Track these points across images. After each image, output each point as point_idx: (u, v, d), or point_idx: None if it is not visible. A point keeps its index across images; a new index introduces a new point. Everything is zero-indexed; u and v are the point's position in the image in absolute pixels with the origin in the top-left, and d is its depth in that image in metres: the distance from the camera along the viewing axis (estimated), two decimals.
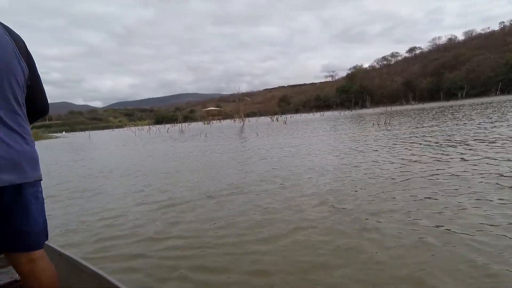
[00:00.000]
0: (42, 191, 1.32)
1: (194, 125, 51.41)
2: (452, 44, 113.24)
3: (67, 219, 3.95)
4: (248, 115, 47.82)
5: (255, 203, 3.96)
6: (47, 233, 1.36)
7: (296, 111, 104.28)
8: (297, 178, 5.17)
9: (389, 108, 48.21)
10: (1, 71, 1.15)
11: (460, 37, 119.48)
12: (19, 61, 1.20)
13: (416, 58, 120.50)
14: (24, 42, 1.27)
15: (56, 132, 71.62)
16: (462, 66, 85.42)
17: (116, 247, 2.94)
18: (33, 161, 1.24)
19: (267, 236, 2.90)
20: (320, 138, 12.13)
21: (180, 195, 4.68)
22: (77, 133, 67.82)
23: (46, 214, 1.36)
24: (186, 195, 4.65)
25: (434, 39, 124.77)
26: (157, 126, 54.31)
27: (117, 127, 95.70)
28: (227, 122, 61.97)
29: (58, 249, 1.87)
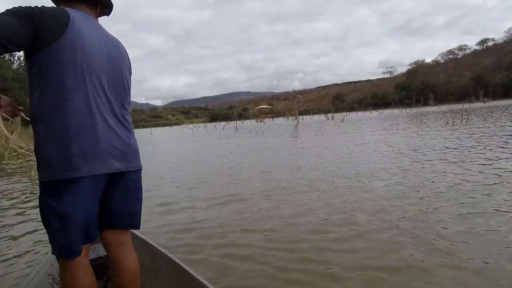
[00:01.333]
0: (141, 179, 1.48)
1: (248, 123, 52.10)
2: None
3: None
4: (301, 113, 47.14)
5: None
6: (140, 220, 1.50)
7: (351, 109, 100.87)
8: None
9: (456, 106, 44.27)
10: (120, 74, 1.38)
11: None
12: (129, 68, 1.47)
13: (488, 51, 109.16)
14: (129, 57, 1.52)
15: None
16: None
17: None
18: (136, 152, 1.43)
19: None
20: (384, 138, 11.46)
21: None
22: (140, 130, 72.57)
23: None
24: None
25: (510, 29, 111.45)
26: (212, 123, 55.97)
27: (175, 124, 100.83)
28: (279, 120, 61.78)
29: (134, 232, 1.97)
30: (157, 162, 9.75)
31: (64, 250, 1.21)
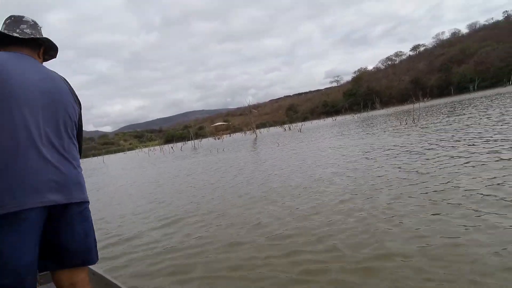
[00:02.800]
0: (89, 212, 1.42)
1: (205, 141, 51.13)
2: (456, 38, 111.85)
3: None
4: (258, 126, 47.24)
5: None
6: (97, 254, 1.43)
7: (305, 119, 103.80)
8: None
9: (401, 108, 47.35)
10: (57, 106, 1.36)
11: (464, 30, 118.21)
12: (73, 101, 1.45)
13: (421, 56, 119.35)
14: (73, 90, 1.52)
15: None
16: (469, 59, 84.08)
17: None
18: (79, 184, 1.37)
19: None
20: (356, 141, 11.55)
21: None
22: (90, 159, 68.39)
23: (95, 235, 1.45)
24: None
25: (437, 34, 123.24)
26: (168, 145, 54.17)
27: (128, 149, 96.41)
28: (237, 135, 61.70)
29: (91, 268, 1.86)
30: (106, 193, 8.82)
31: None
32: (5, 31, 1.39)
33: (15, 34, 1.39)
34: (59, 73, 1.49)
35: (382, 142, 9.51)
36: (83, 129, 1.59)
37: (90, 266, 1.80)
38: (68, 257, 1.33)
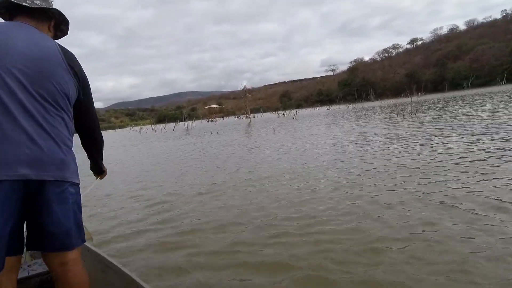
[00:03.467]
0: (74, 194, 1.32)
1: (198, 123, 50.82)
2: (454, 34, 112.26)
3: None
4: (251, 111, 47.20)
5: None
6: (81, 237, 1.36)
7: (298, 106, 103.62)
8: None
9: (395, 101, 47.50)
10: (43, 75, 1.25)
11: (462, 26, 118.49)
12: (64, 71, 1.31)
13: (418, 50, 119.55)
14: (77, 63, 1.40)
15: None
16: (465, 56, 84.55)
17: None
18: (60, 162, 1.26)
19: None
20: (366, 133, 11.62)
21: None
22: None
23: (81, 217, 1.37)
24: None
25: (435, 29, 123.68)
26: (160, 125, 53.73)
27: (119, 127, 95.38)
28: (230, 119, 61.42)
29: (86, 245, 1.86)
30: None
31: None
32: (15, 0, 1.36)
33: (24, 3, 1.36)
34: (63, 46, 1.40)
35: (382, 132, 9.62)
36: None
37: (86, 243, 1.84)
38: (47, 240, 1.26)
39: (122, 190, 5.51)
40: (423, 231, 2.63)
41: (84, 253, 1.47)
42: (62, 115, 1.31)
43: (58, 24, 1.51)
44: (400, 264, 2.16)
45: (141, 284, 1.50)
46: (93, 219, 3.91)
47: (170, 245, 2.88)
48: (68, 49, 1.40)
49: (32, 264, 1.92)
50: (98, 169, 1.76)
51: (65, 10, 1.55)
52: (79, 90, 1.40)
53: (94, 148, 1.63)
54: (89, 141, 1.58)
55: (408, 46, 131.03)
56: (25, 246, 1.29)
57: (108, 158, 11.77)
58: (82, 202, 1.39)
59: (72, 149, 1.37)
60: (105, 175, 1.85)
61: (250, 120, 36.24)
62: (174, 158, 9.28)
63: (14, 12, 1.38)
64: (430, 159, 5.18)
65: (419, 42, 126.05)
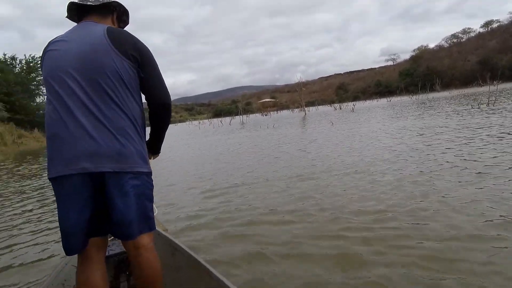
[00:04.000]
0: (137, 185, 1.33)
1: (253, 117, 51.57)
2: None
3: None
4: (306, 104, 46.44)
5: None
6: (148, 225, 1.39)
7: (355, 98, 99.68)
8: None
9: (465, 90, 43.26)
10: (93, 69, 1.29)
11: None
12: (114, 55, 1.31)
13: (493, 33, 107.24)
14: (128, 40, 1.38)
15: None
16: None
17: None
18: (116, 153, 1.28)
19: None
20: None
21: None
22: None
23: (150, 206, 1.41)
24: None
25: None
26: (217, 119, 55.48)
27: (179, 121, 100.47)
28: (284, 112, 61.23)
29: (158, 230, 1.98)
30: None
31: (63, 247, 1.32)
32: (79, 1, 1.45)
33: (87, 3, 1.44)
34: (112, 27, 1.41)
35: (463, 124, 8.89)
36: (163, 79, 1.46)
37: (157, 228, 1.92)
38: (113, 228, 1.36)
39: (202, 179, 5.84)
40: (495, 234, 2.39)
41: (155, 237, 1.53)
42: (121, 102, 1.32)
43: (120, 15, 1.58)
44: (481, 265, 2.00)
45: (207, 267, 1.57)
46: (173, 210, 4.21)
47: (238, 234, 2.94)
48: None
49: (111, 245, 2.03)
50: (155, 148, 1.65)
51: (132, 14, 1.66)
52: (137, 68, 1.38)
53: (159, 123, 1.54)
54: (156, 116, 1.49)
55: (481, 30, 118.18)
56: None
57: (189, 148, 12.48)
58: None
59: (139, 135, 1.37)
60: (158, 156, 1.77)
61: (305, 114, 35.80)
62: (236, 150, 9.56)
63: (81, 13, 1.48)
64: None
65: (495, 25, 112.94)
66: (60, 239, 1.33)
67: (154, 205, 1.46)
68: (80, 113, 1.27)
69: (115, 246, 2.01)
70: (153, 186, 1.45)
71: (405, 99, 45.90)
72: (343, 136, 9.76)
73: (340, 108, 38.24)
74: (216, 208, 3.86)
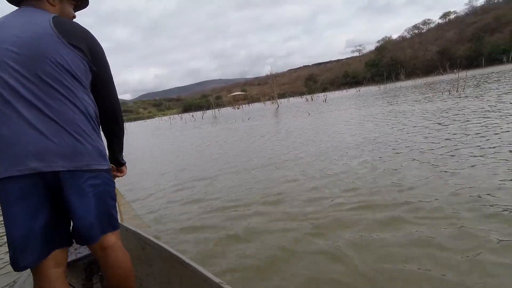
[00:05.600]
0: (97, 184, 1.22)
1: (224, 111, 50.99)
2: (491, 5, 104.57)
3: None
4: (277, 97, 46.35)
5: None
6: (111, 224, 1.29)
7: (324, 89, 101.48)
8: None
9: (428, 79, 45.21)
10: (34, 56, 1.14)
11: None
12: (60, 45, 1.17)
13: (451, 24, 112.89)
14: (78, 31, 1.25)
15: None
16: (504, 28, 78.91)
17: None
18: (71, 149, 1.16)
19: None
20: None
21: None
22: None
23: (113, 204, 1.30)
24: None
25: (470, 1, 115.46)
26: (188, 114, 54.37)
27: (148, 117, 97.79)
28: (256, 105, 61.18)
29: (124, 225, 1.98)
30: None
31: (10, 261, 1.15)
32: None
33: None
34: (60, 17, 1.26)
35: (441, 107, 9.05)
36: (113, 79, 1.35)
37: (123, 223, 1.95)
38: (73, 233, 1.25)
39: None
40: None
41: (123, 233, 1.46)
42: (70, 96, 1.19)
43: None
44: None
45: (180, 258, 1.53)
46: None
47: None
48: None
49: (78, 247, 1.99)
50: (116, 159, 1.53)
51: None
52: (88, 62, 1.25)
53: (114, 131, 1.43)
54: (110, 122, 1.39)
55: (440, 21, 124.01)
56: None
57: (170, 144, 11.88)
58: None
59: (94, 131, 1.27)
60: (125, 172, 1.62)
61: (278, 106, 35.79)
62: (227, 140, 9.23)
63: (18, 2, 1.30)
64: None
65: (452, 16, 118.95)
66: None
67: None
68: (24, 108, 1.11)
69: (82, 249, 1.95)
70: (114, 182, 1.35)
71: (373, 88, 47.15)
72: (330, 123, 9.69)
73: (312, 99, 38.61)
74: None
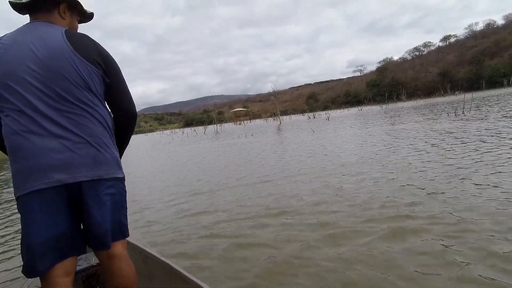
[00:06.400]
0: (113, 193, 1.28)
1: (227, 126, 51.07)
2: (491, 29, 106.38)
3: None
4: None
5: None
6: (122, 232, 1.35)
7: (325, 108, 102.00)
8: None
9: (429, 100, 45.39)
10: (52, 73, 1.18)
11: (500, 21, 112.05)
12: (76, 60, 1.21)
13: (451, 47, 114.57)
14: (90, 45, 1.28)
15: None
16: (504, 53, 79.97)
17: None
18: (92, 160, 1.23)
19: None
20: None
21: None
22: None
23: (124, 212, 1.36)
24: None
25: (470, 25, 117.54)
26: (190, 128, 54.42)
27: (149, 131, 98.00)
28: (258, 121, 61.33)
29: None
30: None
31: (25, 268, 1.19)
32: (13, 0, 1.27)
33: (23, 0, 1.26)
34: (71, 31, 1.29)
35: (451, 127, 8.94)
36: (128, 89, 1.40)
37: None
38: (88, 239, 1.29)
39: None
40: None
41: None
42: (89, 109, 1.25)
43: (73, 5, 1.36)
44: None
45: (181, 272, 1.53)
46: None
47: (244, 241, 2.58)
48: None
49: (77, 260, 1.91)
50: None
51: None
52: (102, 74, 1.30)
53: (124, 133, 1.46)
54: (122, 125, 1.42)
55: (440, 44, 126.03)
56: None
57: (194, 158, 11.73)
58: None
59: (112, 141, 1.33)
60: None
61: (280, 123, 35.81)
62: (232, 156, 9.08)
63: (26, 12, 1.32)
64: None
65: (452, 39, 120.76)
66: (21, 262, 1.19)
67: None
68: (46, 123, 1.17)
69: (81, 261, 1.99)
70: (126, 192, 1.38)
71: (375, 108, 47.26)
72: (342, 142, 9.57)
73: (314, 117, 38.67)
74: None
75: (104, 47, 1.34)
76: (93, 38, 1.32)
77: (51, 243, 1.18)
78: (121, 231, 1.35)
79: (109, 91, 1.35)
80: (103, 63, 1.30)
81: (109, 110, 1.37)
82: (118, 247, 1.34)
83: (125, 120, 1.42)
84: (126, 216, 1.38)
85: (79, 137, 1.21)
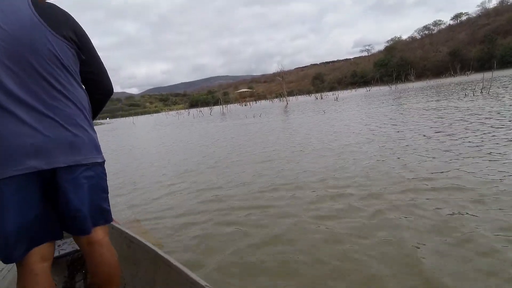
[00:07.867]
0: (91, 177, 1.22)
1: (232, 107, 50.78)
2: (504, 7, 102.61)
3: None
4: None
5: None
6: (104, 218, 1.30)
7: (331, 88, 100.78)
8: None
9: (439, 80, 44.47)
10: (22, 47, 1.06)
11: None
12: (47, 34, 1.09)
13: (462, 25, 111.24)
14: (63, 18, 1.16)
15: (99, 119, 73.75)
16: None
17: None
18: (68, 145, 1.15)
19: None
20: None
21: None
22: (119, 119, 69.76)
23: (105, 196, 1.30)
24: None
25: (483, 2, 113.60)
26: (195, 109, 54.23)
27: (154, 112, 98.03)
28: (263, 102, 60.92)
29: (111, 223, 1.92)
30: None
31: (1, 255, 1.13)
32: None
33: None
34: (45, 2, 1.15)
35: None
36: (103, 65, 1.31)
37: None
38: (66, 224, 1.22)
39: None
40: None
41: (109, 231, 1.49)
42: (64, 89, 1.15)
43: None
44: None
45: (165, 258, 1.53)
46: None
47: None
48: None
49: (61, 244, 1.98)
50: None
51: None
52: (77, 50, 1.19)
53: (97, 109, 1.41)
54: (98, 103, 1.39)
55: (451, 22, 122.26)
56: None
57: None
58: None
59: (89, 123, 1.25)
60: None
61: (287, 103, 35.46)
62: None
63: None
64: None
65: (464, 17, 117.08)
66: None
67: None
68: (16, 105, 1.06)
69: (66, 245, 1.95)
70: (106, 175, 1.33)
71: (383, 88, 46.52)
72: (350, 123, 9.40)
73: (321, 98, 38.21)
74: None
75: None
76: (62, 8, 1.17)
77: (25, 229, 1.12)
78: (102, 216, 1.29)
79: (85, 69, 1.25)
80: (76, 37, 1.18)
81: (84, 90, 1.27)
82: (99, 233, 1.29)
83: (103, 98, 1.37)
84: (107, 200, 1.32)
85: (53, 120, 1.12)
